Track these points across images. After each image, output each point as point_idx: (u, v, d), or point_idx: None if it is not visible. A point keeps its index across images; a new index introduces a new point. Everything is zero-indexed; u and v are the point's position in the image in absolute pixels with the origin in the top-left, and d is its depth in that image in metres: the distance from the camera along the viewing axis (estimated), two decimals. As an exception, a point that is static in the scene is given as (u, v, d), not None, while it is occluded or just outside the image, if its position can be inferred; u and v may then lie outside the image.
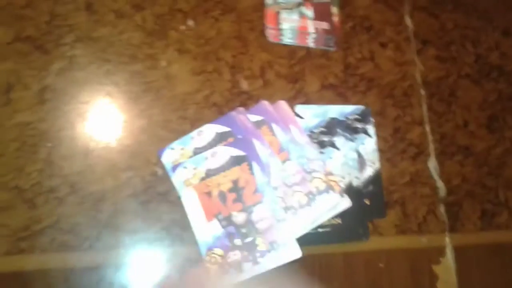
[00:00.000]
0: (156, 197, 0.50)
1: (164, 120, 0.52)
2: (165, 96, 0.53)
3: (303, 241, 0.49)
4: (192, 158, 0.48)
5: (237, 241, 0.45)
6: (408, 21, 0.62)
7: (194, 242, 0.50)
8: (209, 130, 0.48)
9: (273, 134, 0.50)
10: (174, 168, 0.47)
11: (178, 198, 0.50)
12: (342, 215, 0.52)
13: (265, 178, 0.48)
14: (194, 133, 0.48)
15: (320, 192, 0.49)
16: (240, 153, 0.49)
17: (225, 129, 0.48)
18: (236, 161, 0.49)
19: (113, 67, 0.52)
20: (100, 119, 0.51)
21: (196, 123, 0.53)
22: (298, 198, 0.48)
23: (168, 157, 0.48)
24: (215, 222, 0.46)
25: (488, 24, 0.65)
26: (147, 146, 0.51)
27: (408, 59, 0.61)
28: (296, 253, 0.47)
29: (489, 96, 0.62)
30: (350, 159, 0.55)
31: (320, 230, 0.51)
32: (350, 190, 0.53)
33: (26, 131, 0.48)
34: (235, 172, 0.48)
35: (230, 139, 0.48)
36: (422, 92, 0.60)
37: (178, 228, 0.50)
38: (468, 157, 0.60)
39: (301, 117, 0.55)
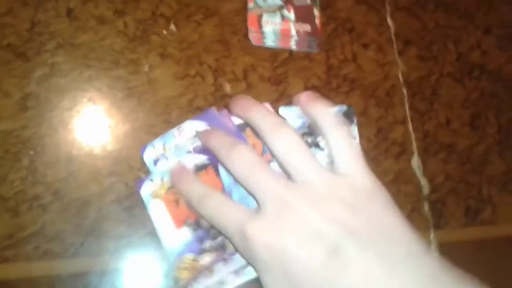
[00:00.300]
0: (140, 202, 0.49)
1: (148, 124, 0.52)
2: (148, 101, 0.53)
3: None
4: (156, 170, 0.48)
5: (207, 244, 0.45)
6: (389, 21, 0.63)
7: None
8: (189, 127, 0.48)
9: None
10: (155, 162, 0.46)
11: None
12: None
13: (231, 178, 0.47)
14: (174, 130, 0.48)
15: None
16: (204, 160, 0.48)
17: (206, 127, 0.48)
18: (201, 167, 0.48)
19: (95, 73, 0.52)
20: (83, 125, 0.51)
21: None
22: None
23: (150, 154, 0.48)
24: (184, 228, 0.46)
25: (469, 23, 0.66)
26: (131, 151, 0.51)
27: (390, 60, 0.61)
28: None
29: (471, 94, 0.63)
30: (327, 156, 0.55)
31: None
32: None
33: (9, 139, 0.48)
34: (201, 177, 0.47)
35: (209, 167, 0.48)
36: (404, 91, 0.61)
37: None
38: (451, 154, 0.61)
39: (283, 119, 0.55)
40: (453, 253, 0.58)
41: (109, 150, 0.51)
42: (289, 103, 0.57)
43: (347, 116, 0.59)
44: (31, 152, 0.49)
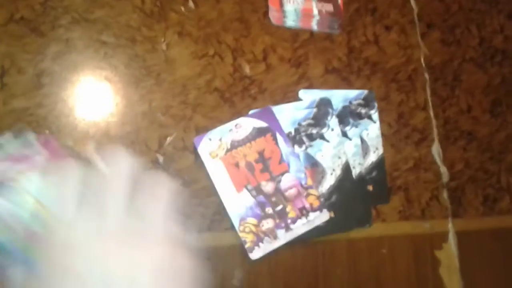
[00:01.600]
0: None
1: (165, 105, 0.52)
2: (165, 80, 0.52)
3: (308, 234, 0.50)
4: (216, 130, 0.49)
5: (268, 210, 0.48)
6: (413, 3, 0.62)
7: (197, 230, 0.50)
8: (247, 124, 0.49)
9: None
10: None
11: (180, 185, 0.50)
12: (344, 202, 0.53)
13: (289, 148, 0.49)
14: (231, 125, 0.49)
15: (314, 209, 0.51)
16: (263, 124, 0.51)
17: (263, 124, 0.50)
18: (260, 132, 0.50)
19: (111, 50, 0.51)
20: (100, 105, 0.50)
21: (197, 108, 0.53)
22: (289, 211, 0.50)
23: (205, 147, 0.49)
24: (245, 192, 0.48)
25: (492, 7, 0.65)
26: (148, 132, 0.51)
27: (412, 43, 0.61)
28: (325, 215, 0.51)
29: (493, 80, 0.63)
30: (354, 145, 0.55)
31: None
32: (349, 176, 0.54)
33: (24, 117, 0.48)
34: (260, 143, 0.49)
35: (268, 135, 0.50)
36: (426, 76, 0.60)
37: (180, 215, 0.50)
38: (471, 142, 0.61)
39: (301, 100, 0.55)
40: (470, 242, 0.58)
41: (126, 131, 0.50)
42: (309, 86, 0.56)
43: (367, 100, 0.59)
44: (47, 131, 0.48)
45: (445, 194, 0.58)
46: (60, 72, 0.50)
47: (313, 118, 0.55)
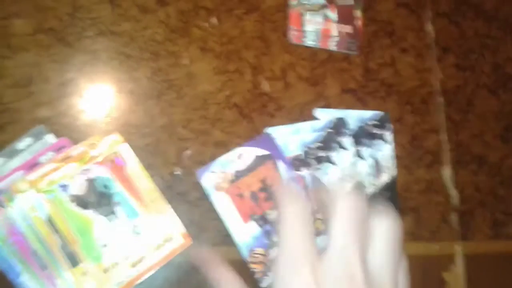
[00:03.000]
0: (175, 197, 0.52)
1: (185, 119, 0.54)
2: (187, 94, 0.55)
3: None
4: (218, 161, 0.51)
5: (274, 238, 0.50)
6: (429, 27, 0.64)
7: (212, 243, 0.52)
8: (249, 153, 0.51)
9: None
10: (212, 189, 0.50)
11: (197, 199, 0.52)
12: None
13: (290, 173, 0.51)
14: (233, 155, 0.51)
15: (318, 233, 0.52)
16: (265, 152, 0.52)
17: (264, 152, 0.52)
18: (261, 160, 0.52)
19: (135, 63, 0.54)
20: (122, 116, 0.52)
21: (216, 123, 0.55)
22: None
23: (209, 180, 0.51)
24: (251, 223, 0.50)
25: (507, 34, 0.68)
26: (168, 145, 0.53)
27: (428, 66, 0.63)
28: None
29: (505, 106, 0.66)
30: (368, 165, 0.57)
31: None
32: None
33: (48, 125, 0.50)
34: (262, 171, 0.51)
35: (269, 162, 0.52)
36: (441, 100, 0.63)
37: (196, 228, 0.52)
38: (482, 166, 0.63)
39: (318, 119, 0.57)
40: (478, 265, 0.60)
41: (146, 143, 0.53)
42: (325, 105, 0.59)
43: (382, 122, 0.61)
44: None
45: (454, 217, 0.61)
46: (85, 83, 0.52)
47: (322, 142, 0.57)
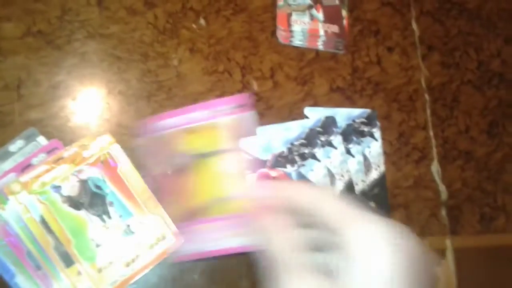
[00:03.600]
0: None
1: (175, 119, 0.55)
2: (177, 95, 0.56)
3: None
4: None
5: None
6: (414, 26, 0.67)
7: (204, 242, 0.53)
8: None
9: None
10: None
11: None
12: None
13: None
14: None
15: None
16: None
17: None
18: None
19: (125, 65, 0.55)
20: (113, 118, 0.54)
21: (206, 123, 0.56)
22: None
23: None
24: None
25: (490, 31, 0.70)
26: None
27: (413, 64, 0.65)
28: None
29: (490, 102, 0.68)
30: (357, 162, 0.59)
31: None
32: (352, 192, 0.58)
33: (39, 127, 0.51)
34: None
35: None
36: (426, 97, 0.65)
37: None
38: (469, 161, 0.65)
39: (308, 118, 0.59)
40: (467, 259, 0.62)
41: (138, 144, 0.54)
42: (314, 103, 0.61)
43: (370, 119, 0.63)
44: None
45: (443, 212, 0.63)
46: (75, 85, 0.53)
47: (305, 138, 0.59)
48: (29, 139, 0.49)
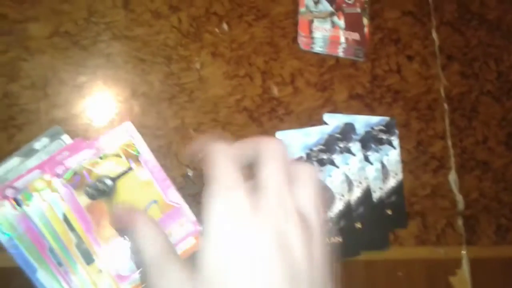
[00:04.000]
0: (186, 198, 0.54)
1: (196, 122, 0.56)
2: (198, 98, 0.57)
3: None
4: None
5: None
6: (434, 35, 0.67)
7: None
8: None
9: None
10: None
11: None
12: (364, 223, 0.58)
13: None
14: None
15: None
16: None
17: None
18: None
19: (149, 67, 0.56)
20: (135, 119, 0.54)
21: (226, 126, 0.57)
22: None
23: None
24: None
25: (510, 42, 0.70)
26: (180, 147, 0.55)
27: (433, 73, 0.66)
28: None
29: (509, 113, 0.68)
30: (375, 170, 0.59)
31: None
32: (369, 199, 0.58)
33: (64, 126, 0.52)
34: None
35: None
36: (445, 106, 0.65)
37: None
38: (486, 172, 0.65)
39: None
40: (483, 269, 0.62)
41: (159, 145, 0.54)
42: (333, 110, 0.61)
43: (389, 127, 0.63)
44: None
45: (460, 222, 0.63)
46: (99, 85, 0.54)
47: (324, 144, 0.59)
48: (54, 137, 0.50)
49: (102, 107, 0.54)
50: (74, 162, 0.49)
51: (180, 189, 0.54)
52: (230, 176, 0.29)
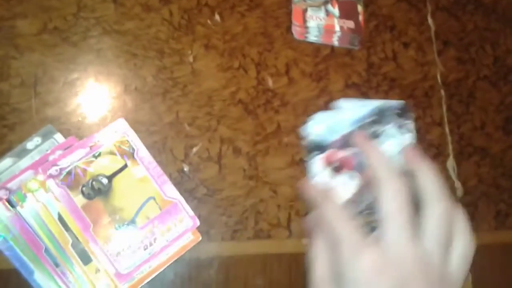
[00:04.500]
0: (183, 193, 0.53)
1: (191, 116, 0.55)
2: (192, 92, 0.56)
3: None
4: None
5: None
6: (430, 21, 0.66)
7: (220, 238, 0.54)
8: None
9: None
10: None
11: (205, 195, 0.54)
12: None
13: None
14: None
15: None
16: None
17: None
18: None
19: (141, 62, 0.55)
20: (129, 114, 0.54)
21: (221, 119, 0.56)
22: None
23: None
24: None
25: (507, 26, 0.69)
26: (175, 142, 0.54)
27: (429, 60, 0.65)
28: None
29: (506, 98, 0.67)
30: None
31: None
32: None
33: (56, 125, 0.51)
34: None
35: None
36: (442, 93, 0.65)
37: (204, 224, 0.53)
38: (485, 158, 0.65)
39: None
40: (482, 256, 0.62)
41: (154, 140, 0.54)
42: (329, 100, 0.60)
43: (404, 111, 0.62)
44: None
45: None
46: (91, 82, 0.53)
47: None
48: (46, 136, 0.49)
49: (95, 104, 0.53)
50: (68, 161, 0.48)
51: (176, 184, 0.53)
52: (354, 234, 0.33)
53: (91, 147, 0.49)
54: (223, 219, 0.54)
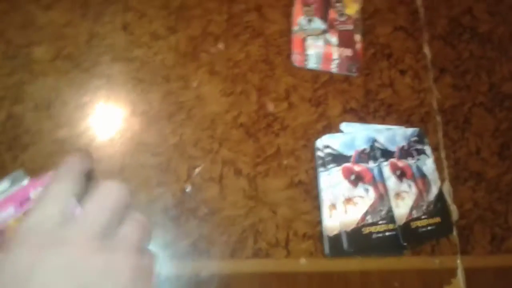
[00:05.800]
0: (185, 212, 0.56)
1: (194, 139, 0.58)
2: (196, 115, 0.59)
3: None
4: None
5: None
6: (426, 49, 0.69)
7: (220, 257, 0.56)
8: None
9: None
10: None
11: (206, 214, 0.56)
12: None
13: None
14: None
15: None
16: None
17: None
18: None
19: (148, 87, 0.58)
20: (135, 136, 0.57)
21: (223, 142, 0.59)
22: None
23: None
24: None
25: (502, 54, 0.72)
26: (178, 163, 0.57)
27: (425, 87, 0.68)
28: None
29: (501, 124, 0.69)
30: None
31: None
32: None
33: (65, 146, 0.54)
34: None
35: None
36: (438, 119, 0.67)
37: (205, 242, 0.56)
38: (480, 183, 0.67)
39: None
40: (478, 279, 0.64)
41: (159, 161, 0.57)
42: (327, 124, 0.63)
43: (420, 136, 0.65)
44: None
45: (454, 232, 0.64)
46: (101, 106, 0.57)
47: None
48: (15, 182, 0.49)
49: (103, 127, 0.56)
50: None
51: (179, 203, 0.56)
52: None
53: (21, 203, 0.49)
54: (223, 238, 0.57)
